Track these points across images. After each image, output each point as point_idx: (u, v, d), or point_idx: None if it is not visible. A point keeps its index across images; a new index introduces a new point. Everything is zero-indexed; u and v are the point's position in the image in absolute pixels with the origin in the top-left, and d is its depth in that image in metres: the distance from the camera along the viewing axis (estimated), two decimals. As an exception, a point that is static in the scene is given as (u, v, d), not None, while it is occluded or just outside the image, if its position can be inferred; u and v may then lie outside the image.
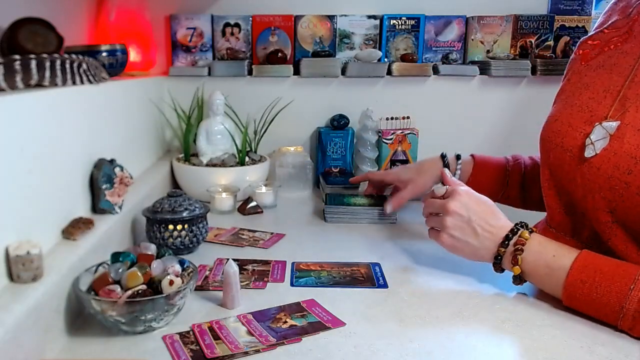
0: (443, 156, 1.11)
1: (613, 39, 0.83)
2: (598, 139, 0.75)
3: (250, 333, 0.68)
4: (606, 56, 0.83)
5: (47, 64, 0.75)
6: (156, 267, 0.72)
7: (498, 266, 0.79)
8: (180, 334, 0.68)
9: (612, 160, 0.73)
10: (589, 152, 0.76)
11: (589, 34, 0.89)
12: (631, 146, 0.71)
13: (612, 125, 0.74)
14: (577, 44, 0.90)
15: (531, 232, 0.77)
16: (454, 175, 1.08)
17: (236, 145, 1.32)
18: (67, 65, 0.80)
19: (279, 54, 1.46)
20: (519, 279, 0.76)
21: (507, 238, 0.77)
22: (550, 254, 0.74)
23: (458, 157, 1.11)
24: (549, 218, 0.90)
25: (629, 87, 0.76)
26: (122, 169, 0.90)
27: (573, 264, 0.71)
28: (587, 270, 0.70)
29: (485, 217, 0.79)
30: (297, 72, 1.48)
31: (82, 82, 0.85)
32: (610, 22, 0.85)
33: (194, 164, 1.29)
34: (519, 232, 0.76)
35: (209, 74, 1.47)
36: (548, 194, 0.88)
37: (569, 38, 1.52)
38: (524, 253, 0.75)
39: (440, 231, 0.83)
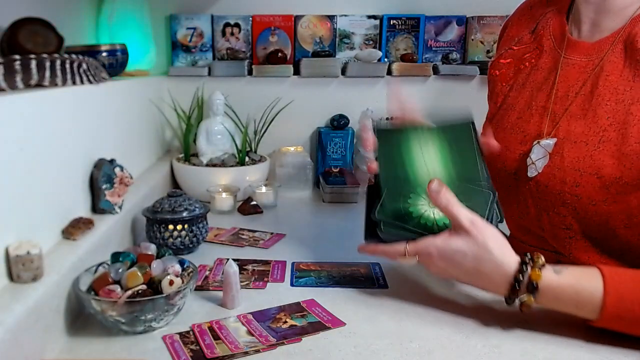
0: None
1: (525, 55, 0.84)
2: (538, 158, 0.76)
3: (250, 333, 0.68)
4: (524, 74, 0.84)
5: (47, 64, 0.75)
6: (156, 267, 0.72)
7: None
8: (180, 334, 0.68)
9: (558, 176, 0.73)
10: (531, 172, 0.76)
11: (499, 53, 0.88)
12: (572, 160, 0.72)
13: (550, 143, 0.75)
14: (490, 65, 0.89)
15: (534, 289, 0.64)
16: None
17: (236, 145, 1.32)
18: (67, 65, 0.80)
19: (279, 54, 1.46)
20: None
21: (510, 300, 0.67)
22: (572, 303, 0.64)
23: None
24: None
25: (555, 102, 0.77)
26: (122, 169, 0.90)
27: (604, 304, 0.62)
28: (624, 305, 0.62)
29: (472, 278, 0.69)
30: (297, 72, 1.48)
31: (82, 82, 0.85)
32: (517, 38, 0.86)
33: (194, 164, 1.29)
34: (520, 299, 0.66)
35: (209, 74, 1.47)
36: (505, 217, 0.84)
37: (568, 38, 1.52)
38: (536, 305, 0.66)
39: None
